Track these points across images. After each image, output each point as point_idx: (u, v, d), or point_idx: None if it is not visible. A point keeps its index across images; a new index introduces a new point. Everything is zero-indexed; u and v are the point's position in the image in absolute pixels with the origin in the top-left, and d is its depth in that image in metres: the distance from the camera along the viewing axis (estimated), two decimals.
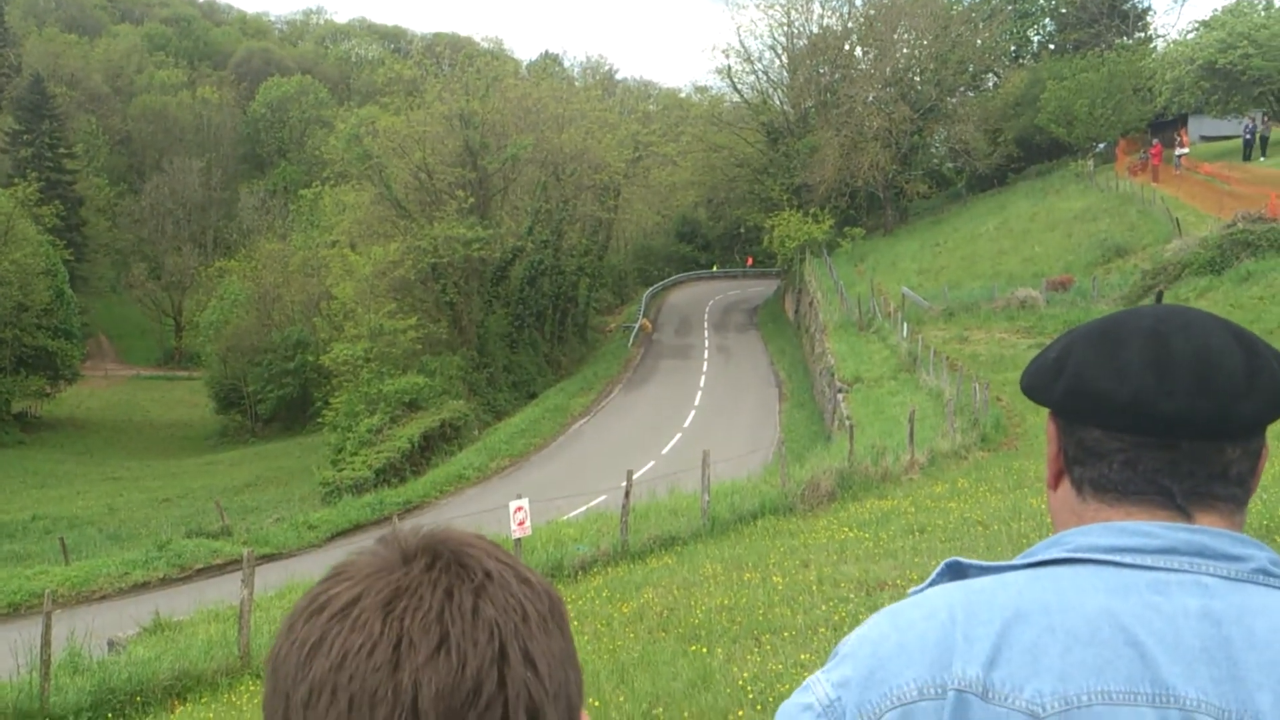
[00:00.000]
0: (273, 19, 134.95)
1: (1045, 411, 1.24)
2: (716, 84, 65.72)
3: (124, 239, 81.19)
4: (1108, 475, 1.15)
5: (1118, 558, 1.11)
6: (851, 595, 10.11)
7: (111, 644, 14.62)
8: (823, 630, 8.80)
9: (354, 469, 31.87)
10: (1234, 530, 1.13)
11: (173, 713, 11.52)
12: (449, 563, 0.83)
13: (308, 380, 51.39)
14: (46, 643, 11.85)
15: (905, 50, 58.02)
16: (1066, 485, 1.21)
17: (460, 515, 23.29)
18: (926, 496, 16.66)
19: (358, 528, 25.71)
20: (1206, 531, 1.11)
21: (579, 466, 30.59)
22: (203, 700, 11.80)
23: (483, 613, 0.81)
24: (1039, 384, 1.21)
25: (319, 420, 41.23)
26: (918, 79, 57.15)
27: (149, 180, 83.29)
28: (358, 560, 0.86)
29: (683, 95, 76.77)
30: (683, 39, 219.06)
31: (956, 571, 1.20)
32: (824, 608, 9.68)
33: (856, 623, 6.75)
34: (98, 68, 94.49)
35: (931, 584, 1.20)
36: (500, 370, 44.24)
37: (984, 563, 1.19)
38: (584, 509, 22.80)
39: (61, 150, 76.45)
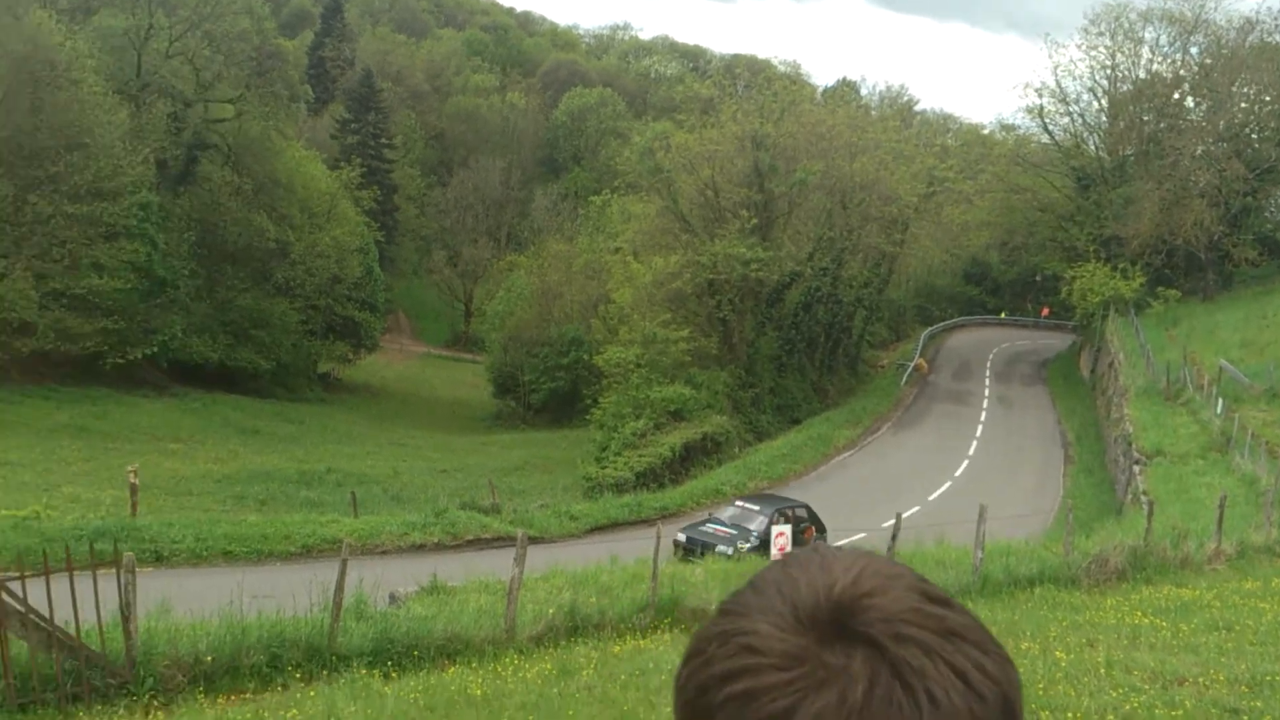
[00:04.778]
0: (582, 32, 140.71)
1: None
2: (1025, 123, 62.57)
3: (429, 227, 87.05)
4: None
5: None
6: (1146, 686, 9.36)
7: (393, 598, 15.44)
8: (1111, 718, 8.11)
9: (616, 468, 32.48)
10: None
11: (444, 672, 11.98)
12: (889, 681, 0.71)
13: (579, 377, 52.81)
14: (340, 588, 12.53)
15: (1244, 105, 53.26)
16: None
17: None
18: (1234, 592, 15.22)
19: (615, 525, 26.18)
20: None
21: (838, 500, 29.83)
22: (471, 665, 12.14)
23: None
24: None
25: (586, 417, 42.30)
26: (1255, 136, 52.29)
27: (455, 175, 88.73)
28: (762, 629, 0.74)
29: (986, 132, 73.90)
30: (990, 74, 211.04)
31: None
32: (1114, 694, 8.98)
33: (1152, 716, 6.00)
34: (421, 67, 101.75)
35: None
36: (766, 392, 44.00)
37: None
38: (843, 543, 22.10)
39: (383, 141, 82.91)
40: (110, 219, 48.02)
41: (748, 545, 20.97)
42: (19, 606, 9.81)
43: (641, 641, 13.49)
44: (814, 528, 22.33)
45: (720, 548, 20.97)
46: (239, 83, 60.33)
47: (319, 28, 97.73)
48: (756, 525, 22.20)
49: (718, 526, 22.48)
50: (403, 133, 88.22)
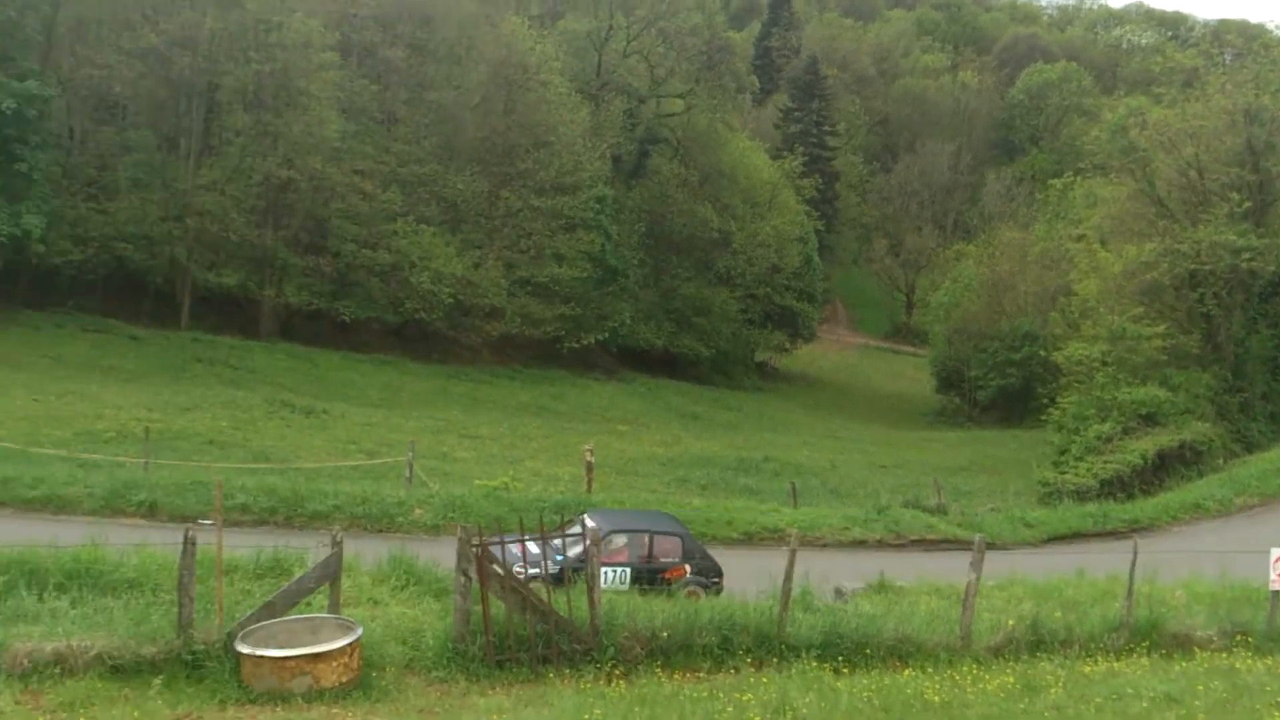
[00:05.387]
0: (1044, 4, 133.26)
1: None
2: None
3: (870, 215, 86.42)
4: None
5: None
6: None
7: (838, 592, 15.02)
8: None
9: (1077, 474, 30.19)
10: None
11: (898, 674, 11.42)
12: None
13: (1032, 374, 50.23)
14: (789, 577, 12.36)
15: None
16: None
17: (1195, 549, 20.59)
18: None
19: (1078, 536, 24.07)
20: None
21: None
22: (925, 669, 11.69)
23: None
24: None
25: (1040, 417, 40.06)
26: None
27: (900, 161, 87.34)
28: None
29: None
30: None
31: None
32: None
33: None
34: (867, 51, 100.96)
35: None
36: (1258, 397, 38.75)
37: None
38: None
39: (825, 128, 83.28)
40: (570, 212, 52.68)
41: (535, 570, 13.48)
42: (499, 570, 10.44)
43: (1115, 664, 12.53)
44: (688, 567, 15.87)
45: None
46: (689, 77, 63.29)
47: (766, 17, 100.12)
48: (572, 548, 14.11)
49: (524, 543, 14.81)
50: (846, 119, 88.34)
